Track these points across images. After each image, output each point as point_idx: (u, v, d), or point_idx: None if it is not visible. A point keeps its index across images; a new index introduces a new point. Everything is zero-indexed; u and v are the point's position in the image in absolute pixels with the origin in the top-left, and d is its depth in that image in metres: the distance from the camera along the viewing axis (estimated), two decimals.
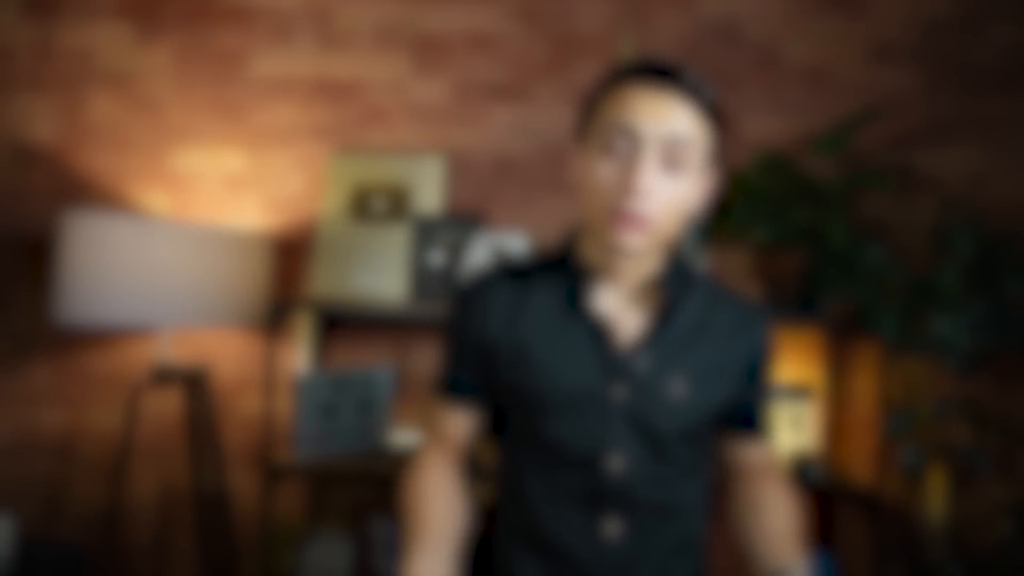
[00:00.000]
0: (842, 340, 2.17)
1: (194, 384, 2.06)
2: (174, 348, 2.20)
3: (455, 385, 1.17)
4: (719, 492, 1.22)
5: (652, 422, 1.07)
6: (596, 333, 1.08)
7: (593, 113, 1.07)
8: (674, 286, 1.10)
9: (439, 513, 1.08)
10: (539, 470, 1.09)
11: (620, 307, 1.11)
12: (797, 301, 2.12)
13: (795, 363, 2.20)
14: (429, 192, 2.18)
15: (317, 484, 2.19)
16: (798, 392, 2.11)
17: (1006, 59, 2.23)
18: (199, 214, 2.25)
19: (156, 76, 2.27)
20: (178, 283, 1.90)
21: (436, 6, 2.27)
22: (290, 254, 2.24)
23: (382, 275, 2.11)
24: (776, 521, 1.11)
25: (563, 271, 1.12)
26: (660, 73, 1.02)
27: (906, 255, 2.13)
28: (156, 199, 2.25)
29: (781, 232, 2.05)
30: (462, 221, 2.08)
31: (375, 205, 2.18)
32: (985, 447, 2.11)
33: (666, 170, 1.01)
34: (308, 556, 2.02)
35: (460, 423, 1.18)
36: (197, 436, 2.06)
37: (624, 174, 1.00)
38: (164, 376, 1.99)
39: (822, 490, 2.02)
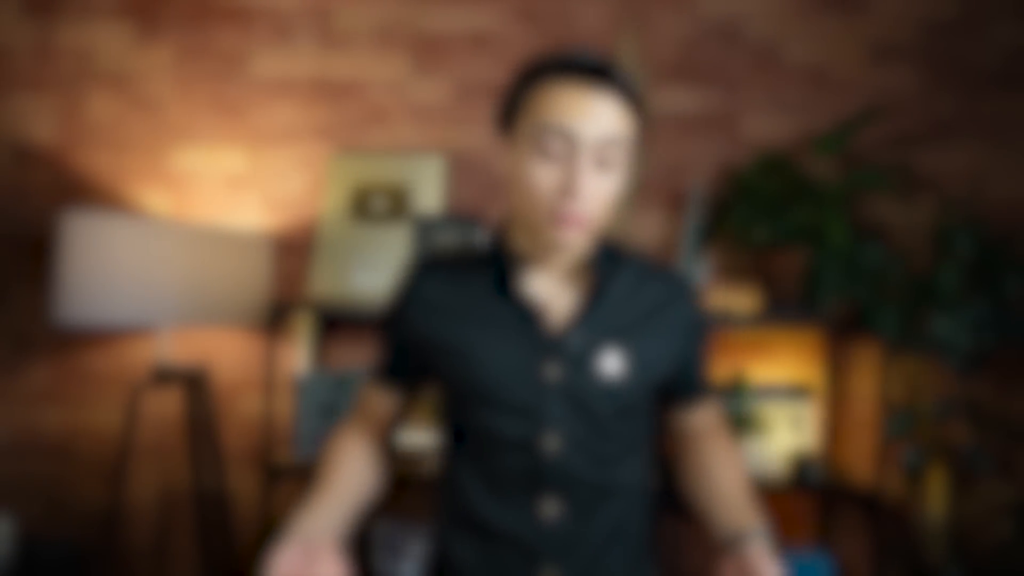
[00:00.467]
0: (842, 340, 2.17)
1: (194, 384, 2.06)
2: (174, 348, 2.20)
3: (386, 369, 1.20)
4: (669, 473, 1.23)
5: (588, 399, 1.07)
6: (527, 316, 1.09)
7: (522, 107, 1.06)
8: (603, 266, 1.11)
9: (341, 475, 1.11)
10: (477, 455, 1.11)
11: (551, 290, 1.12)
12: (797, 301, 2.12)
13: (795, 363, 2.20)
14: (429, 192, 2.18)
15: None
16: (798, 392, 2.11)
17: (1006, 59, 2.23)
18: (199, 214, 2.25)
19: (156, 76, 2.27)
20: (178, 283, 1.90)
21: (436, 6, 2.27)
22: (290, 254, 2.24)
23: (382, 275, 2.11)
24: (728, 481, 1.12)
25: (493, 261, 1.13)
26: (594, 71, 1.02)
27: (906, 255, 2.13)
28: (156, 199, 2.25)
29: (781, 232, 2.05)
30: (462, 221, 2.08)
31: (375, 205, 2.18)
32: (985, 447, 2.11)
33: (598, 169, 1.02)
34: None
35: (384, 402, 1.21)
36: (197, 436, 2.06)
37: (563, 177, 1.01)
38: (164, 376, 1.99)
39: (822, 490, 2.02)
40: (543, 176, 1.02)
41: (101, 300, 1.84)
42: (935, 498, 2.03)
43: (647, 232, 2.22)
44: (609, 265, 1.12)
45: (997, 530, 2.14)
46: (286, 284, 2.23)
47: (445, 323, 1.12)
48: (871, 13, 2.25)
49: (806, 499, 2.19)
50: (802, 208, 2.05)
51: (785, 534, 2.18)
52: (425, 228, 2.08)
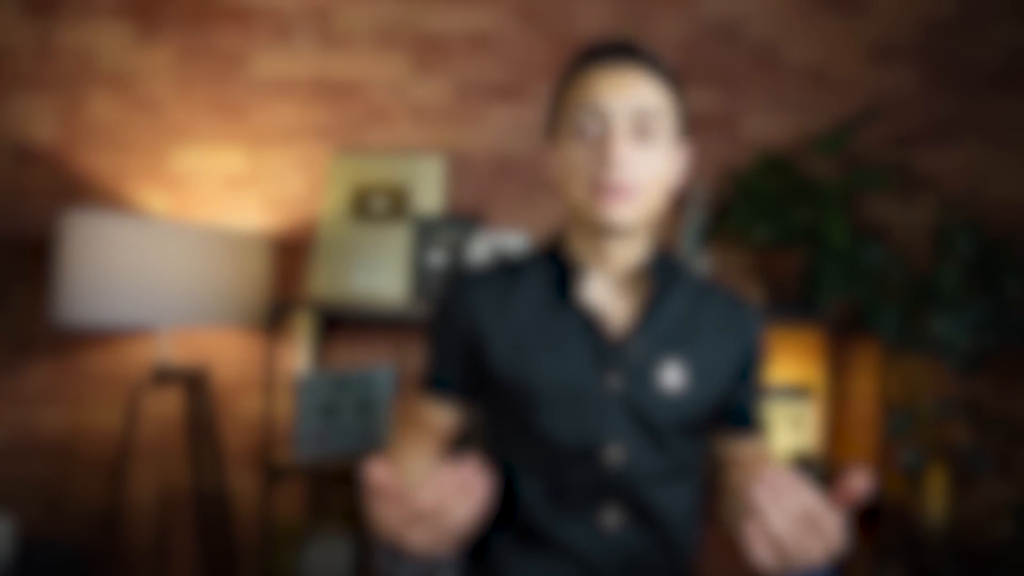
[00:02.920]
0: (842, 340, 2.17)
1: (194, 384, 2.06)
2: (174, 348, 2.19)
3: (439, 381, 1.16)
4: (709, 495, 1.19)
5: (649, 412, 1.05)
6: (587, 323, 1.07)
7: (560, 104, 1.09)
8: (661, 274, 1.10)
9: (425, 445, 1.14)
10: (535, 467, 1.08)
11: (609, 296, 1.10)
12: (797, 301, 2.12)
13: (795, 363, 2.20)
14: (429, 192, 2.18)
15: (317, 484, 2.19)
16: (798, 392, 2.11)
17: (1006, 59, 2.23)
18: (199, 214, 2.25)
19: (156, 76, 2.27)
20: (178, 283, 1.90)
21: (436, 6, 2.27)
22: (290, 254, 2.24)
23: (382, 275, 2.11)
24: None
25: (552, 265, 1.13)
26: (616, 50, 1.06)
27: (906, 255, 2.13)
28: (156, 199, 2.25)
29: (781, 232, 2.05)
30: (462, 221, 2.08)
31: (375, 205, 2.18)
32: (985, 447, 2.11)
33: (638, 141, 1.03)
34: (308, 556, 2.02)
35: (441, 416, 1.17)
36: (197, 436, 2.06)
37: (598, 149, 1.02)
38: (164, 376, 1.99)
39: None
40: (579, 154, 1.03)
41: (101, 300, 1.84)
42: (935, 498, 2.03)
43: None
44: (666, 274, 1.10)
45: (997, 530, 2.14)
46: (286, 284, 2.23)
47: (505, 325, 1.09)
48: (871, 13, 2.25)
49: None
50: (802, 208, 2.05)
51: None
52: (425, 228, 2.08)
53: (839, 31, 2.25)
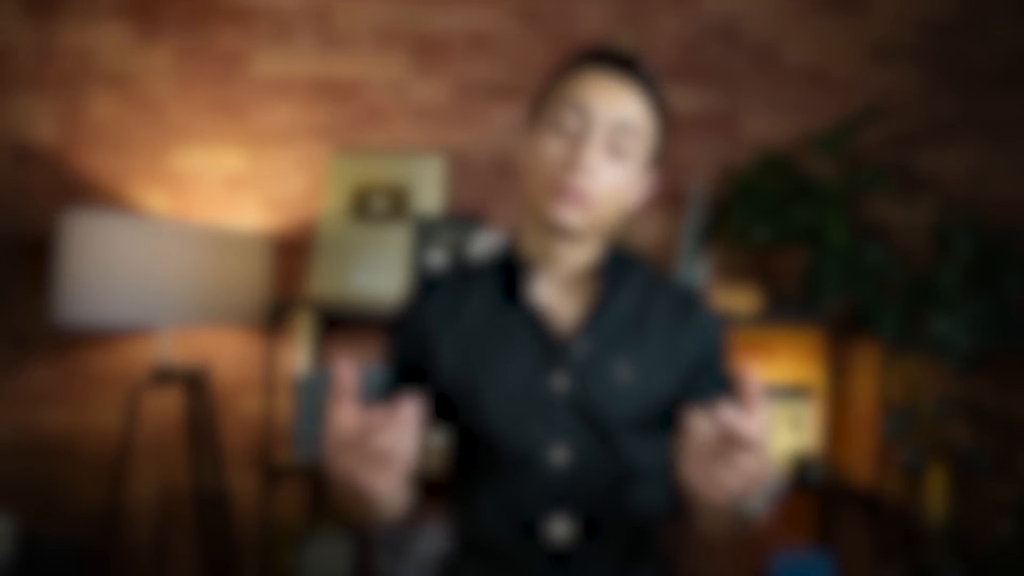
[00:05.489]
0: (842, 340, 2.17)
1: (194, 384, 2.06)
2: (174, 348, 2.19)
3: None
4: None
5: (596, 410, 1.04)
6: (533, 322, 1.07)
7: (549, 97, 1.08)
8: (610, 273, 1.09)
9: None
10: (483, 471, 1.07)
11: (558, 296, 1.10)
12: (797, 301, 2.12)
13: (795, 363, 2.20)
14: (429, 192, 2.18)
15: (317, 484, 2.19)
16: (798, 392, 2.11)
17: (1006, 59, 2.23)
18: (199, 214, 2.25)
19: (156, 76, 2.27)
20: (178, 283, 1.90)
21: (436, 6, 2.27)
22: (290, 254, 2.24)
23: (382, 275, 2.11)
24: None
25: (503, 266, 1.12)
26: (616, 60, 1.06)
27: (906, 255, 2.13)
28: (156, 199, 2.25)
29: (781, 232, 2.05)
30: (462, 221, 2.08)
31: (375, 205, 2.18)
32: (985, 447, 2.11)
33: (610, 155, 1.03)
34: (308, 556, 2.02)
35: None
36: (197, 436, 2.06)
37: (571, 150, 1.02)
38: (164, 376, 1.99)
39: (822, 490, 2.02)
40: (552, 148, 1.03)
41: (101, 300, 1.83)
42: (935, 498, 2.03)
43: (647, 232, 2.22)
44: (617, 272, 1.10)
45: (997, 530, 2.14)
46: (286, 284, 2.23)
47: (455, 329, 1.09)
48: (871, 13, 2.25)
49: (806, 499, 2.19)
50: (802, 208, 2.05)
51: (785, 534, 2.18)
52: (425, 228, 2.08)
53: (839, 31, 2.25)
